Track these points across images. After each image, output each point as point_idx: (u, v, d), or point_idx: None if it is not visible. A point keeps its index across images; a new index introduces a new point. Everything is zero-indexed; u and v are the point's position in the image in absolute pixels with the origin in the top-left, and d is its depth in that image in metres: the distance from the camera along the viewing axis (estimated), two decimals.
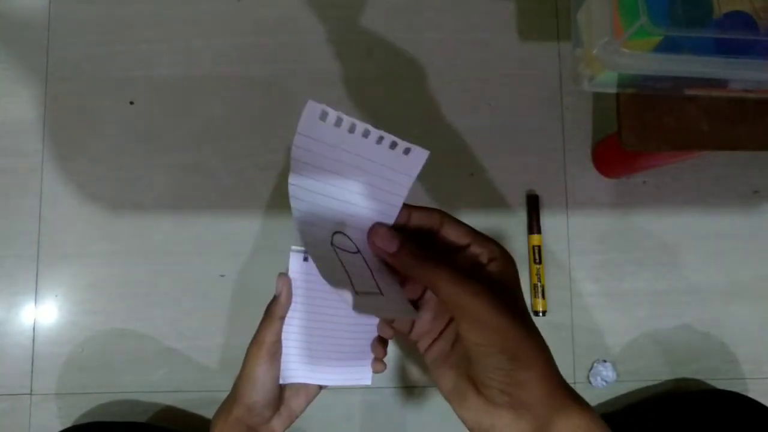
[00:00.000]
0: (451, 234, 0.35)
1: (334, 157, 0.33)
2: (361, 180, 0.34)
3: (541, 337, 0.32)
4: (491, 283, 0.32)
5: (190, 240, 0.74)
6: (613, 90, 0.50)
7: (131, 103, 0.76)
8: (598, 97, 0.78)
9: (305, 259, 0.40)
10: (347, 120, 0.32)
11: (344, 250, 0.35)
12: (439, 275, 0.32)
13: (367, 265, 0.35)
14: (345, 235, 0.35)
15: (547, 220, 0.76)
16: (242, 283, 0.74)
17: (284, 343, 0.42)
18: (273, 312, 0.41)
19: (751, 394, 0.69)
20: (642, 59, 0.42)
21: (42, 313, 0.73)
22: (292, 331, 0.42)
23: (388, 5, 0.78)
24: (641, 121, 0.50)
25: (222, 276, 0.74)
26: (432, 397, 0.73)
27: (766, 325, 0.76)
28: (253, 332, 0.42)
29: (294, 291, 0.41)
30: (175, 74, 0.76)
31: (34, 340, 0.72)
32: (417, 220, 0.36)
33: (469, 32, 0.78)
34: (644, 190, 0.77)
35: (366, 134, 0.33)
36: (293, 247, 0.40)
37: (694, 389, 0.74)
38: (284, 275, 0.41)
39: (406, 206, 0.36)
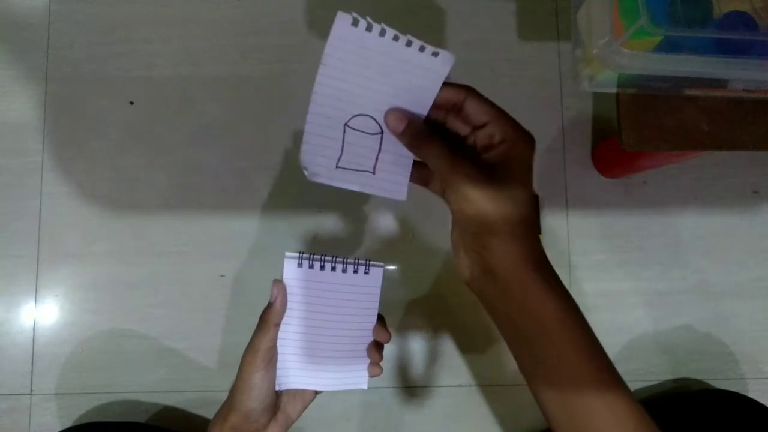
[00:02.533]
0: (472, 110, 0.35)
1: (366, 58, 0.35)
2: (393, 78, 0.35)
3: (531, 214, 0.34)
4: (491, 166, 0.33)
5: (190, 240, 0.74)
6: (613, 90, 0.50)
7: (131, 103, 0.76)
8: (598, 97, 0.78)
9: (299, 265, 0.41)
10: (377, 26, 0.34)
11: (359, 131, 0.37)
12: (432, 152, 0.34)
13: (380, 146, 0.38)
14: (370, 117, 0.37)
15: (547, 220, 0.75)
16: (242, 283, 0.74)
17: (280, 349, 0.42)
18: (268, 319, 0.41)
19: (751, 394, 0.69)
20: (642, 59, 0.42)
21: (42, 313, 0.73)
22: (288, 337, 0.43)
23: (386, 6, 0.78)
24: (641, 121, 0.50)
25: (222, 276, 0.74)
26: (430, 397, 0.73)
27: (766, 325, 0.76)
28: (253, 333, 0.42)
29: (289, 297, 0.41)
30: (175, 74, 0.76)
31: (34, 340, 0.72)
32: (444, 95, 0.36)
33: (469, 32, 0.78)
34: (644, 190, 0.77)
35: (396, 38, 0.34)
36: (287, 254, 0.41)
37: (694, 389, 0.74)
38: (279, 282, 0.41)
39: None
